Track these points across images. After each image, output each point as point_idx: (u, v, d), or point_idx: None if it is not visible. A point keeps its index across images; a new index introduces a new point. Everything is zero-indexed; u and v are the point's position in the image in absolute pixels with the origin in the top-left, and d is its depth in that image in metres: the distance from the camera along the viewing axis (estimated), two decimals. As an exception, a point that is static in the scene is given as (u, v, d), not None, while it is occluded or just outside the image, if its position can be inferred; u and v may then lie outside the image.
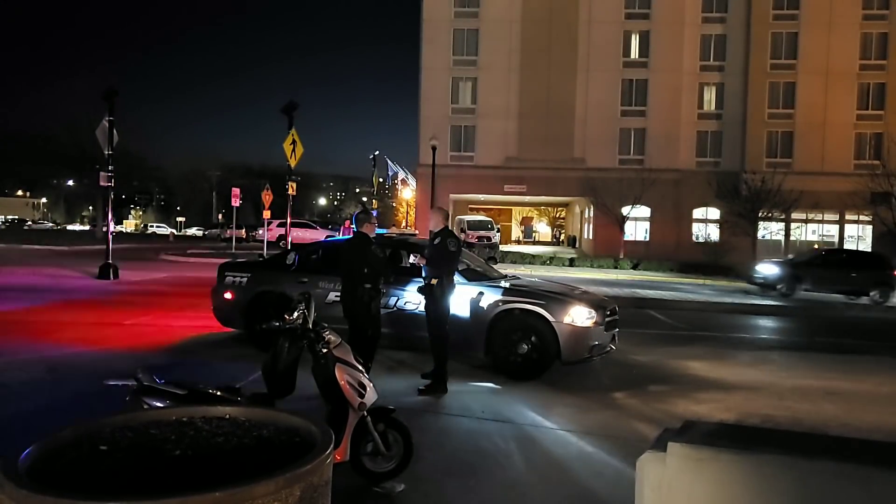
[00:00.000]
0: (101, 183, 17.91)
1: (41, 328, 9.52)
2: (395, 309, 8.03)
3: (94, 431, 2.42)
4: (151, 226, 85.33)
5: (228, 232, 46.37)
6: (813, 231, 40.90)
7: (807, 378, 8.40)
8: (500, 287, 8.05)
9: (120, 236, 43.44)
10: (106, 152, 17.63)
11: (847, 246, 39.92)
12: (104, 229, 20.66)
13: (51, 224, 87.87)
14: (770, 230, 38.89)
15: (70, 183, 79.37)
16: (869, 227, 38.80)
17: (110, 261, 17.23)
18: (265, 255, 21.87)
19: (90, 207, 79.28)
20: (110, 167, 17.61)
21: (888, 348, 11.53)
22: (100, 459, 2.24)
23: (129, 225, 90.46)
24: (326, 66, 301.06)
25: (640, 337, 10.72)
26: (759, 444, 2.10)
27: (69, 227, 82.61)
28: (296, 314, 4.29)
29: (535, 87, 40.70)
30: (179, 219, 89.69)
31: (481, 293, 7.82)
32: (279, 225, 37.43)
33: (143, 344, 8.66)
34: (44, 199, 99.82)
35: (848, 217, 39.51)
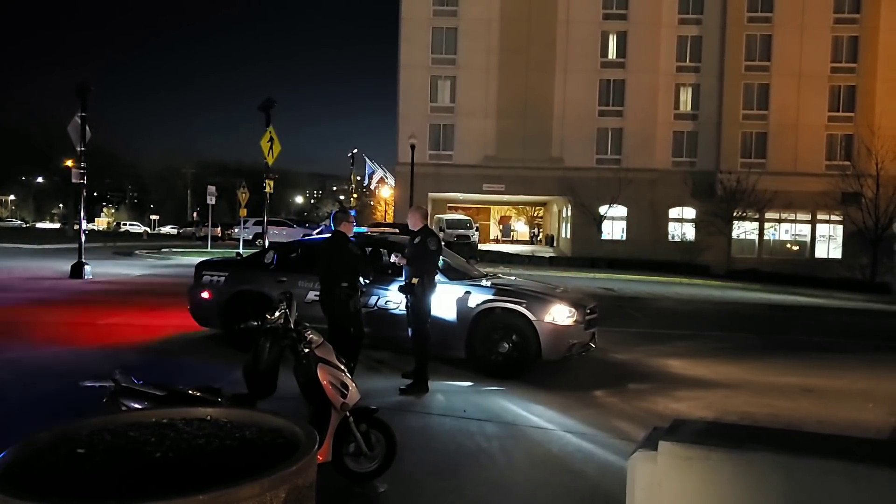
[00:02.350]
0: (74, 180, 17.58)
1: (11, 329, 9.29)
2: (375, 308, 7.98)
3: (71, 434, 2.36)
4: (124, 224, 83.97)
5: (204, 230, 45.85)
6: (786, 231, 41.54)
7: (784, 375, 8.52)
8: (482, 286, 8.04)
9: (92, 234, 42.67)
10: (78, 149, 17.30)
11: (819, 246, 40.65)
12: (75, 227, 20.25)
13: (19, 222, 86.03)
14: (744, 229, 39.44)
15: (40, 180, 77.91)
16: (840, 227, 39.52)
17: (83, 259, 16.92)
18: (241, 253, 21.64)
19: (60, 205, 77.88)
20: (83, 164, 17.29)
21: (865, 346, 11.76)
22: (78, 462, 2.18)
23: (101, 223, 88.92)
24: (304, 64, 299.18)
25: (620, 335, 10.79)
26: (749, 443, 2.11)
27: (38, 226, 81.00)
28: (277, 314, 4.23)
29: (513, 87, 40.82)
30: (153, 217, 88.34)
31: (463, 292, 7.81)
32: (255, 223, 37.13)
33: (118, 344, 8.50)
34: (12, 196, 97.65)
35: (819, 217, 40.20)
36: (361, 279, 6.87)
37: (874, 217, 32.13)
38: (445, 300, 7.65)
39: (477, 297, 7.74)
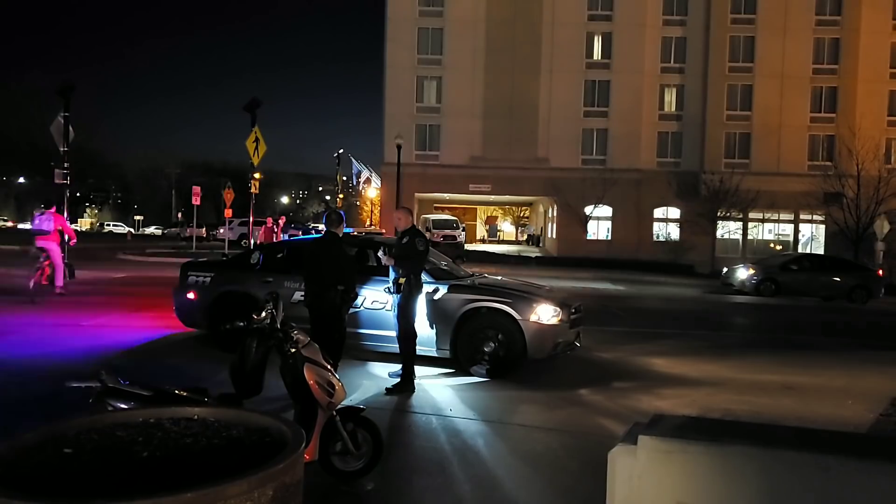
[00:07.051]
0: (56, 181, 17.39)
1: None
2: (361, 308, 7.99)
3: (58, 434, 2.37)
4: (108, 224, 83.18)
5: (188, 231, 45.55)
6: (769, 230, 41.97)
7: (765, 373, 8.64)
8: (468, 286, 8.08)
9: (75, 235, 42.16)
10: (61, 149, 17.14)
11: (801, 246, 41.10)
12: (59, 228, 20.01)
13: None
14: (728, 229, 39.80)
15: (21, 180, 77.03)
16: (822, 227, 39.97)
17: (66, 260, 16.74)
18: (227, 254, 21.56)
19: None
20: (66, 164, 17.13)
21: (843, 344, 11.93)
22: (66, 462, 2.19)
23: (84, 223, 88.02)
24: (289, 63, 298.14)
25: (604, 334, 10.88)
26: (726, 436, 2.17)
27: (20, 226, 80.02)
28: (264, 314, 4.25)
29: (499, 87, 40.92)
30: (137, 217, 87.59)
31: (449, 292, 7.84)
32: (241, 224, 36.94)
33: (104, 345, 8.45)
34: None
35: (802, 216, 40.63)
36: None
37: (855, 217, 32.55)
38: (431, 300, 7.69)
39: (462, 297, 7.78)
